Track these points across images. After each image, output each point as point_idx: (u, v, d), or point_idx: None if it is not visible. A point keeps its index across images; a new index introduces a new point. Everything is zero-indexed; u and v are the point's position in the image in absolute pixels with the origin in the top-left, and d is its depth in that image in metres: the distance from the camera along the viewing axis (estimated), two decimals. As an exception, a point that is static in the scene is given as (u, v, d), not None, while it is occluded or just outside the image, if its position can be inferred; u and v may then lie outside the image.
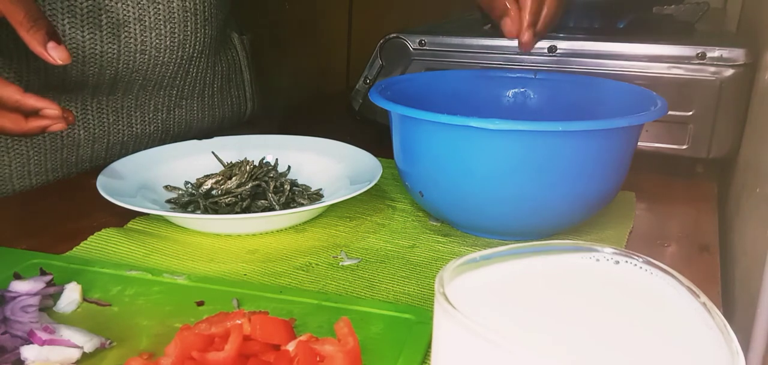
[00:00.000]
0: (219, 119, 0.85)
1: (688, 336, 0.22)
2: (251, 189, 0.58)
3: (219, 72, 0.83)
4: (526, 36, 0.55)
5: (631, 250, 0.26)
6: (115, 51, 0.65)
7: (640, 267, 0.25)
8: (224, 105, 0.85)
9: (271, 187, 0.58)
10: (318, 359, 0.34)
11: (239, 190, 0.57)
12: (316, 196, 0.59)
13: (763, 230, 0.46)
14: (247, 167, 0.60)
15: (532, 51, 0.70)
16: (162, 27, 0.68)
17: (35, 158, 0.66)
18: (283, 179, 0.59)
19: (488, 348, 0.20)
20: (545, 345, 0.22)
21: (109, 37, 0.64)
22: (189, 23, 0.71)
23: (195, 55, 0.74)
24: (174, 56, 0.71)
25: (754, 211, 0.52)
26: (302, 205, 0.56)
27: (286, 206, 0.57)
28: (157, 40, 0.68)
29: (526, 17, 0.55)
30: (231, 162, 0.62)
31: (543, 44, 0.70)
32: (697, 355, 0.21)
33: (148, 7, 0.66)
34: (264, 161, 0.63)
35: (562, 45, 0.69)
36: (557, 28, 0.75)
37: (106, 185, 0.54)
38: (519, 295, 0.25)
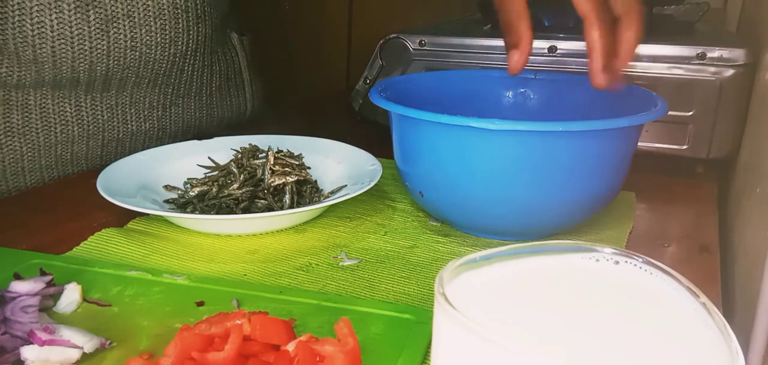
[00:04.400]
0: (218, 119, 0.85)
1: (687, 336, 0.22)
2: (250, 193, 0.57)
3: (217, 71, 0.83)
4: (600, 79, 0.48)
5: (631, 250, 0.26)
6: (105, 47, 0.65)
7: (640, 267, 0.25)
8: (223, 105, 0.85)
9: (271, 189, 0.58)
10: (318, 359, 0.34)
11: (239, 193, 0.57)
12: (317, 196, 0.59)
13: (763, 230, 0.46)
14: (253, 162, 0.60)
15: (532, 51, 0.70)
16: (152, 23, 0.68)
17: (29, 154, 0.66)
18: (292, 179, 0.58)
19: (488, 348, 0.20)
20: (545, 345, 0.22)
21: (98, 33, 0.64)
22: (180, 20, 0.71)
23: (189, 53, 0.74)
24: (166, 54, 0.71)
25: (755, 211, 0.52)
26: (302, 205, 0.56)
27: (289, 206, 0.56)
28: (148, 37, 0.68)
29: (599, 61, 0.48)
30: (237, 156, 0.62)
31: (543, 44, 0.70)
32: (696, 355, 0.21)
33: (137, 3, 0.66)
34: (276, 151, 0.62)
35: (562, 45, 0.69)
36: (557, 28, 0.75)
37: (106, 185, 0.54)
38: (519, 295, 0.25)
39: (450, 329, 0.22)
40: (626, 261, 0.26)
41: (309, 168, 0.61)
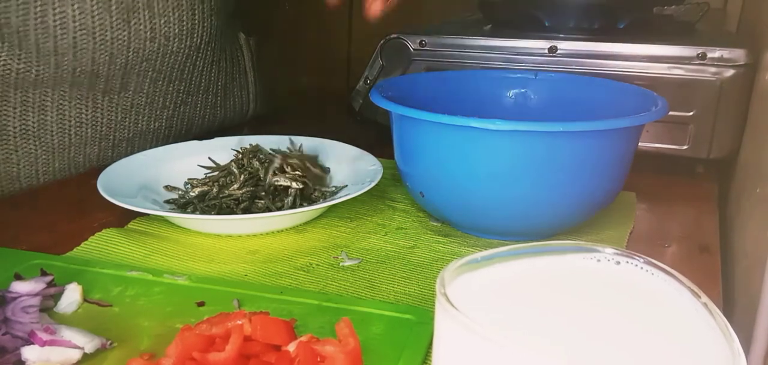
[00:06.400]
0: (221, 119, 0.86)
1: (689, 336, 0.22)
2: (250, 193, 0.57)
3: (223, 69, 0.83)
4: (374, 8, 0.52)
5: (632, 250, 0.26)
6: (126, 37, 0.66)
7: (641, 268, 0.25)
8: (227, 104, 0.86)
9: (271, 188, 0.58)
10: (319, 359, 0.34)
11: (239, 193, 0.57)
12: (317, 196, 0.59)
13: (763, 230, 0.46)
14: (256, 161, 0.60)
15: (532, 51, 0.70)
16: (170, 14, 0.69)
17: (43, 157, 0.67)
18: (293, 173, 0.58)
19: (489, 349, 0.20)
20: (546, 345, 0.22)
21: (119, 23, 0.65)
22: (196, 12, 0.72)
23: (202, 45, 0.75)
24: (182, 46, 0.72)
25: (755, 211, 0.52)
26: (304, 205, 0.56)
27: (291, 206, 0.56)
28: (166, 28, 0.68)
29: None
30: (238, 156, 0.62)
31: (543, 44, 0.70)
32: (698, 356, 0.21)
33: None
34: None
35: (563, 45, 0.69)
36: (557, 28, 0.75)
37: (106, 185, 0.54)
38: (520, 295, 0.25)
39: (451, 329, 0.22)
40: (627, 262, 0.26)
41: (328, 168, 0.61)
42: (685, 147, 0.66)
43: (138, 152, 0.65)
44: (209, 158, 0.64)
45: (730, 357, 0.20)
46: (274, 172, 0.58)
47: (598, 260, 0.26)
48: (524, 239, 0.49)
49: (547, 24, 0.76)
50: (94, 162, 0.71)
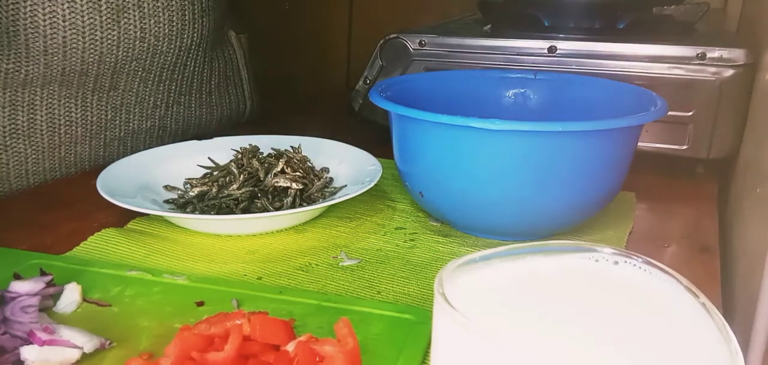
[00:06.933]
0: (217, 118, 0.86)
1: (687, 336, 0.22)
2: (250, 193, 0.57)
3: (216, 69, 0.83)
4: None
5: (631, 250, 0.26)
6: (115, 37, 0.66)
7: (640, 268, 0.25)
8: (222, 103, 0.86)
9: (271, 188, 0.58)
10: (318, 359, 0.34)
11: (239, 193, 0.57)
12: (316, 196, 0.59)
13: (763, 230, 0.46)
14: (255, 162, 0.60)
15: (532, 51, 0.70)
16: (160, 14, 0.69)
17: (33, 157, 0.67)
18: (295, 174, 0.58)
19: (487, 348, 0.20)
20: (544, 344, 0.22)
21: (109, 23, 0.65)
22: (187, 13, 0.72)
23: (193, 46, 0.75)
24: (172, 46, 0.72)
25: (755, 211, 0.52)
26: (303, 205, 0.56)
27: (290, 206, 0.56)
28: (156, 28, 0.68)
29: None
30: (237, 156, 0.62)
31: (543, 44, 0.70)
32: (696, 355, 0.21)
33: None
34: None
35: (562, 45, 0.69)
36: (557, 28, 0.75)
37: (106, 185, 0.54)
38: (518, 295, 0.25)
39: (449, 329, 0.22)
40: (626, 261, 0.26)
41: (327, 169, 0.61)
42: (684, 147, 0.66)
43: (130, 151, 0.65)
44: (209, 158, 0.64)
45: (728, 357, 0.20)
46: (275, 174, 0.58)
47: (597, 260, 0.26)
48: (523, 239, 0.49)
49: (546, 24, 0.76)
50: (85, 162, 0.71)
